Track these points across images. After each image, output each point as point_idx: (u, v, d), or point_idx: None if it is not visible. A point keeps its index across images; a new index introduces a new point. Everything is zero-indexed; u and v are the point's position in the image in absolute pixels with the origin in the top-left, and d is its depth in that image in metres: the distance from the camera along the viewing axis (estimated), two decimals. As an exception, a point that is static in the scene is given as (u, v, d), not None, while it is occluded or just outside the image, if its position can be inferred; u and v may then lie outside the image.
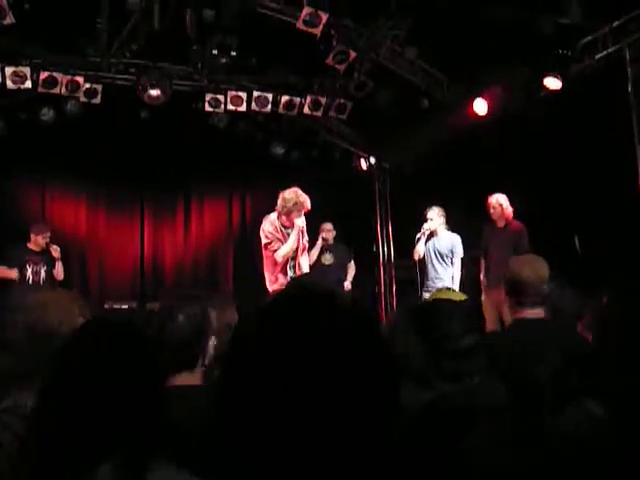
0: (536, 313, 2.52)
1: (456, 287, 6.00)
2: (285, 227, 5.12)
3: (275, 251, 5.01)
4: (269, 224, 5.09)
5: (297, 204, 5.01)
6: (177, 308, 1.90)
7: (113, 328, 1.30)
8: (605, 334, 1.50)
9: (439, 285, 6.13)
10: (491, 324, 5.51)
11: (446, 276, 6.22)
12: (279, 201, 5.12)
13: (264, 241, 5.07)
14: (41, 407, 1.20)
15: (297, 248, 5.16)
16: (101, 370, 1.19)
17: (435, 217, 6.35)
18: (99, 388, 1.16)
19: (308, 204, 5.07)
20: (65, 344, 1.28)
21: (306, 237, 5.29)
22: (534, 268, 2.57)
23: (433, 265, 6.36)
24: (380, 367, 0.69)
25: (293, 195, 5.05)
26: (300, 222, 5.04)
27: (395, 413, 0.69)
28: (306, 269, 5.25)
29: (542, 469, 1.17)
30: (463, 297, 1.87)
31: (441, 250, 6.36)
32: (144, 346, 1.29)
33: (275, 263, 5.06)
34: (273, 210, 5.22)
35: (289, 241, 5.02)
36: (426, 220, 6.38)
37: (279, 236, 5.07)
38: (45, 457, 1.13)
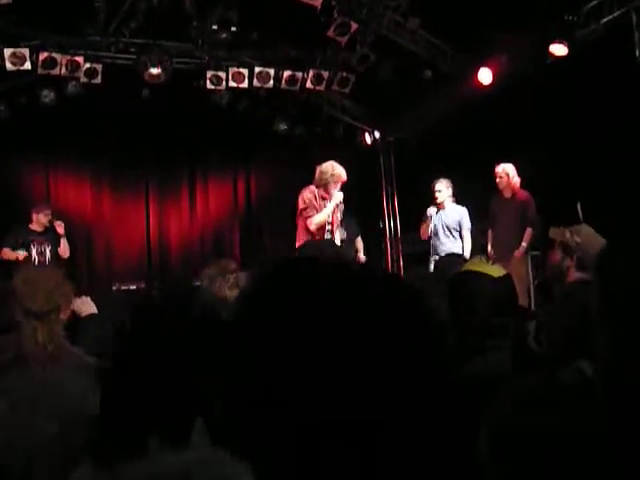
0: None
1: None
2: (323, 199, 5.19)
3: (310, 217, 5.06)
4: (309, 192, 5.16)
5: (333, 175, 5.13)
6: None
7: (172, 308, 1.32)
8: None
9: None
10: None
11: (454, 249, 6.21)
12: (316, 174, 5.20)
13: (301, 206, 5.11)
14: (110, 382, 1.23)
15: (332, 222, 5.22)
16: (161, 350, 1.20)
17: (444, 189, 6.31)
18: (160, 368, 1.18)
19: (344, 176, 5.18)
20: (127, 328, 1.31)
21: (339, 213, 5.33)
22: (601, 241, 2.63)
23: (440, 238, 6.34)
24: (430, 339, 0.61)
25: (329, 167, 5.18)
26: (339, 195, 5.13)
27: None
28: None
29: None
30: (500, 271, 1.80)
31: (449, 223, 6.34)
32: (195, 326, 1.31)
33: (308, 231, 5.11)
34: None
35: (325, 209, 5.11)
36: (434, 193, 6.34)
37: (316, 204, 5.13)
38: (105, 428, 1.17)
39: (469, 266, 1.95)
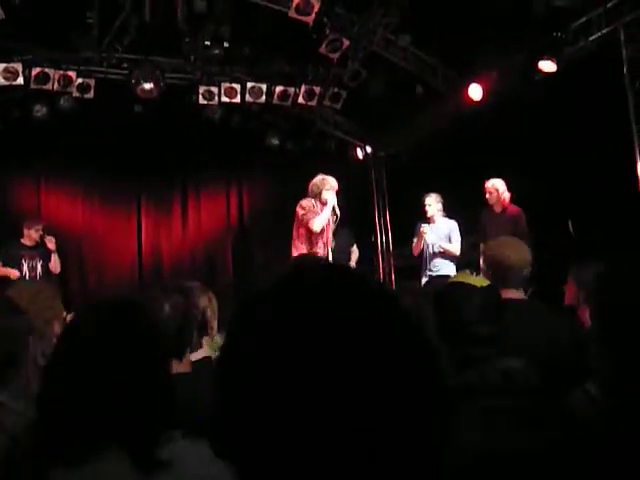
0: (519, 294, 2.59)
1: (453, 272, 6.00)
2: (322, 205, 5.36)
3: (310, 220, 5.21)
4: (306, 200, 5.34)
5: (325, 184, 5.32)
6: (162, 298, 1.90)
7: (118, 308, 1.30)
8: (601, 311, 1.49)
9: (439, 272, 6.13)
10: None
11: (445, 263, 6.22)
12: (309, 188, 5.39)
13: (301, 213, 5.25)
14: (49, 387, 1.20)
15: (328, 228, 5.41)
16: (108, 348, 1.19)
17: (433, 203, 6.34)
18: (109, 366, 1.18)
19: (335, 183, 5.38)
20: (73, 326, 1.29)
21: (333, 224, 5.48)
22: (520, 252, 2.62)
23: (430, 252, 6.35)
24: (418, 356, 0.59)
25: (320, 178, 5.40)
26: (332, 197, 5.29)
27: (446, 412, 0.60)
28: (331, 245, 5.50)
29: (557, 452, 1.16)
30: (485, 282, 1.83)
31: (439, 237, 6.36)
32: (150, 323, 1.30)
33: (307, 239, 5.26)
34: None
35: (325, 212, 5.27)
36: (424, 207, 6.36)
37: (315, 210, 5.29)
38: (55, 435, 1.14)
39: (454, 279, 1.97)
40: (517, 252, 2.60)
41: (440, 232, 6.35)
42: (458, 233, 6.33)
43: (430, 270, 6.31)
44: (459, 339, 1.71)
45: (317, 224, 5.21)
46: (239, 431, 0.58)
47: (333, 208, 5.32)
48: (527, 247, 2.67)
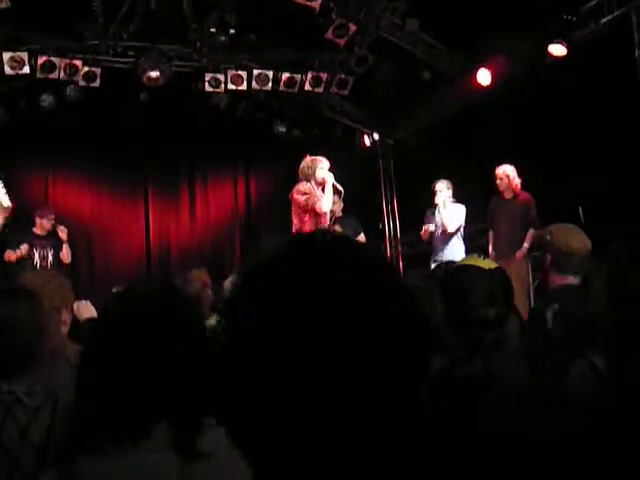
0: (576, 281, 2.62)
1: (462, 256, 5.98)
2: (319, 186, 5.15)
3: (315, 203, 4.97)
4: (302, 184, 5.09)
5: (314, 163, 5.13)
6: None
7: (161, 292, 1.28)
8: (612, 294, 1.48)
9: (447, 258, 6.10)
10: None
11: (455, 249, 6.20)
12: (299, 174, 5.17)
13: (302, 198, 4.98)
14: (87, 375, 1.19)
15: (334, 209, 5.27)
16: (145, 334, 1.18)
17: (444, 189, 6.31)
18: (148, 351, 1.16)
19: (327, 162, 5.17)
20: (108, 312, 1.28)
21: (339, 204, 5.36)
22: (581, 239, 2.66)
23: (440, 238, 6.33)
24: (411, 327, 0.60)
25: (307, 160, 5.20)
26: (328, 174, 5.08)
27: (424, 378, 0.61)
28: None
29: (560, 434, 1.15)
30: (493, 265, 1.82)
31: None
32: (189, 307, 1.29)
33: (317, 219, 5.01)
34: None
35: (326, 192, 5.05)
36: (434, 193, 6.33)
37: (314, 192, 5.05)
38: (93, 424, 1.13)
39: (462, 262, 1.96)
40: (578, 240, 2.65)
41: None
42: (461, 215, 6.29)
43: (438, 255, 6.30)
44: (467, 323, 1.70)
45: (325, 205, 4.99)
46: (243, 408, 0.58)
47: (334, 185, 5.11)
48: (585, 235, 2.71)
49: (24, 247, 6.38)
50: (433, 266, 6.15)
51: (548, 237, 2.70)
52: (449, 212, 6.27)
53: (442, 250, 6.29)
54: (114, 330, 1.20)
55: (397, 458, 0.59)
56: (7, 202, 5.02)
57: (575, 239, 2.64)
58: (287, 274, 0.60)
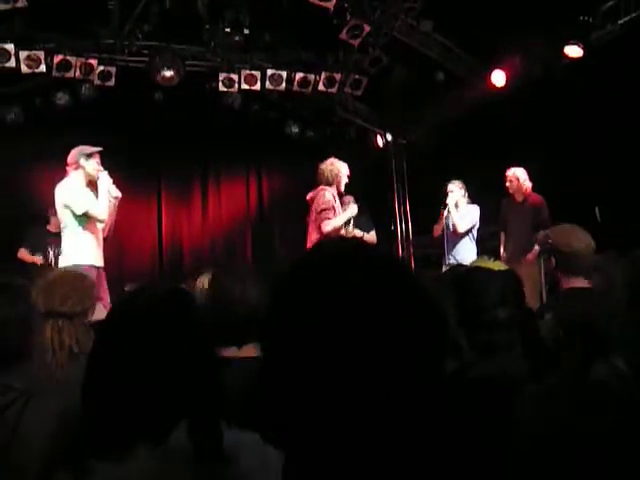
0: (584, 283, 2.53)
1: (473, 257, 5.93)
2: (340, 197, 5.24)
3: (328, 219, 4.99)
4: (328, 194, 5.10)
5: (341, 170, 5.16)
6: (246, 277, 1.87)
7: (169, 294, 1.27)
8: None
9: (458, 259, 6.06)
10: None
11: (467, 250, 6.15)
12: (322, 175, 5.18)
13: (322, 206, 5.01)
14: (95, 377, 1.17)
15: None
16: (153, 336, 1.16)
17: (456, 190, 6.26)
18: (162, 352, 1.14)
19: (346, 169, 5.22)
20: (123, 311, 1.26)
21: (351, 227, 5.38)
22: (583, 239, 2.58)
23: (452, 239, 6.29)
24: (429, 323, 0.63)
25: (333, 163, 5.20)
26: (354, 208, 5.21)
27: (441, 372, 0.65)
28: None
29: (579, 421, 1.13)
30: (503, 267, 1.82)
31: None
32: (196, 310, 1.27)
33: (321, 232, 5.01)
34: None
35: (342, 216, 5.10)
36: (447, 194, 6.30)
37: (335, 206, 5.10)
38: (102, 428, 1.12)
39: (473, 264, 1.96)
40: (580, 240, 2.57)
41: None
42: (474, 215, 6.22)
43: (450, 257, 6.25)
44: (478, 324, 1.69)
45: (333, 225, 4.98)
46: (285, 408, 0.62)
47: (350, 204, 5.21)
48: (588, 235, 2.62)
49: (38, 259, 6.45)
50: (444, 267, 6.13)
51: (550, 240, 2.64)
52: (461, 213, 6.23)
53: (452, 251, 6.25)
54: (121, 332, 1.18)
55: (426, 455, 0.61)
56: (116, 192, 5.14)
57: (576, 239, 2.56)
58: (317, 281, 0.64)
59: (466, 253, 6.11)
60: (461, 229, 6.16)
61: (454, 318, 1.79)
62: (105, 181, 4.99)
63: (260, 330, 0.68)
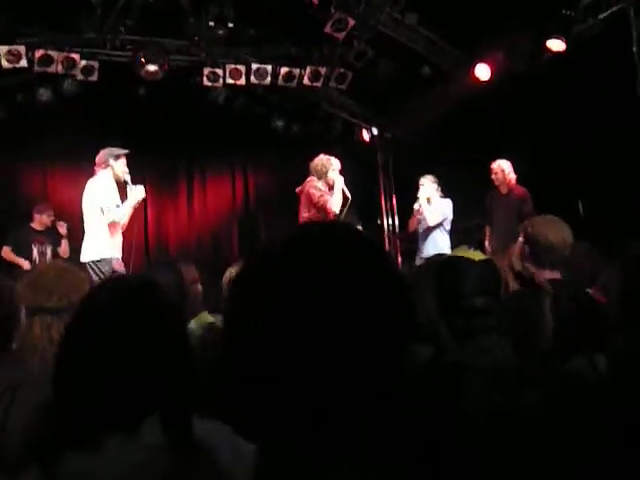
0: (554, 275, 2.54)
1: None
2: (329, 188, 5.29)
3: (327, 202, 5.10)
4: (315, 182, 5.24)
5: (330, 164, 5.25)
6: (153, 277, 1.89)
7: (133, 285, 1.26)
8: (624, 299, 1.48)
9: (431, 252, 6.12)
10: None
11: (440, 243, 6.19)
12: (312, 170, 5.29)
13: (317, 194, 5.14)
14: (65, 368, 1.17)
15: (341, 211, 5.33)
16: (126, 327, 1.16)
17: (428, 184, 6.29)
18: (132, 343, 1.14)
19: (339, 164, 5.30)
20: (88, 305, 1.25)
21: (348, 199, 5.37)
22: (561, 233, 2.57)
23: (426, 233, 6.33)
24: (396, 304, 0.63)
25: (322, 159, 5.31)
26: (340, 179, 5.21)
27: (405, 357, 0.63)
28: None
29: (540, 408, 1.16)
30: (483, 256, 1.85)
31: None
32: (167, 300, 1.27)
33: (327, 217, 5.10)
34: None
35: (335, 195, 5.18)
36: (419, 188, 6.34)
37: (325, 192, 5.22)
38: (73, 418, 1.11)
39: (453, 253, 1.99)
40: (557, 233, 2.57)
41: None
42: (445, 209, 6.25)
43: (423, 250, 6.30)
44: (457, 311, 1.72)
45: (335, 205, 5.11)
46: (251, 390, 0.61)
47: (342, 191, 5.22)
48: (568, 228, 2.61)
49: (24, 263, 6.39)
50: (417, 259, 6.19)
51: (529, 229, 2.66)
52: (433, 206, 6.25)
53: (425, 244, 6.30)
54: (89, 323, 1.18)
55: (387, 436, 0.61)
56: (142, 194, 5.47)
57: (555, 233, 2.56)
58: (286, 261, 0.64)
59: (438, 246, 6.16)
60: (432, 222, 6.19)
61: (434, 305, 1.82)
62: (139, 193, 5.37)
63: (224, 312, 0.67)
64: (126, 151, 5.27)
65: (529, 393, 0.94)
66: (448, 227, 6.29)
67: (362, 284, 0.61)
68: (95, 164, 5.30)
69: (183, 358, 1.19)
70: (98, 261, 4.99)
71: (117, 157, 5.24)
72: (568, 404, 0.91)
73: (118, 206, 5.19)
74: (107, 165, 5.22)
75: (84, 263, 5.00)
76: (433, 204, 6.26)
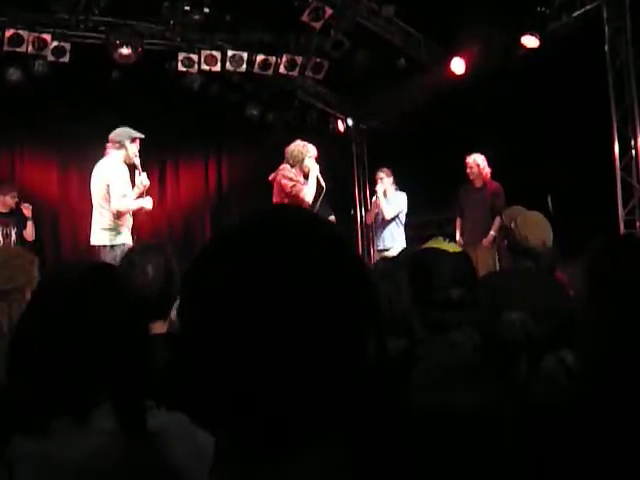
0: (526, 266, 2.59)
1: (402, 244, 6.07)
2: (303, 177, 5.10)
3: (301, 191, 4.93)
4: (287, 171, 5.03)
5: (306, 151, 5.08)
6: (142, 260, 1.88)
7: (92, 270, 1.25)
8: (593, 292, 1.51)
9: (387, 244, 6.19)
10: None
11: (395, 236, 6.26)
12: (287, 155, 5.11)
13: (290, 184, 4.94)
14: (17, 354, 1.16)
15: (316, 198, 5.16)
16: (77, 312, 1.14)
17: (384, 177, 6.35)
18: (79, 331, 1.13)
19: (315, 152, 5.13)
20: (41, 290, 1.24)
21: (322, 187, 5.22)
22: (541, 235, 2.59)
23: (381, 226, 6.40)
24: (359, 297, 0.61)
25: (299, 145, 5.13)
26: (315, 166, 5.04)
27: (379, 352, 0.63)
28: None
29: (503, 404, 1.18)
30: (457, 249, 1.86)
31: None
32: (122, 286, 1.26)
33: (302, 205, 4.88)
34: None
35: (310, 183, 5.00)
36: (377, 182, 6.39)
37: (298, 180, 5.02)
38: (25, 403, 1.10)
39: (427, 244, 2.00)
40: (537, 236, 2.58)
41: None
42: (400, 202, 6.32)
43: (379, 242, 6.38)
44: (431, 303, 1.72)
45: (308, 194, 4.95)
46: (205, 377, 0.59)
47: (317, 179, 5.08)
48: (549, 229, 2.64)
49: None
50: (375, 253, 6.25)
51: (512, 225, 2.69)
52: (389, 200, 6.31)
53: (381, 236, 6.37)
54: (41, 309, 1.17)
55: (342, 425, 0.60)
56: (146, 181, 5.45)
57: (535, 235, 2.58)
58: (237, 245, 0.62)
59: (394, 237, 6.23)
60: (388, 216, 6.25)
61: (408, 297, 1.82)
62: (143, 180, 5.34)
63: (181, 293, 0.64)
64: (142, 135, 5.22)
65: (462, 393, 0.95)
66: (403, 220, 6.38)
67: (318, 270, 0.59)
68: (109, 141, 5.22)
69: (136, 346, 1.18)
70: (112, 247, 5.00)
71: (133, 139, 5.17)
72: (498, 406, 0.92)
73: (125, 195, 5.14)
74: (121, 146, 5.12)
75: (95, 246, 5.04)
76: (389, 197, 6.32)
